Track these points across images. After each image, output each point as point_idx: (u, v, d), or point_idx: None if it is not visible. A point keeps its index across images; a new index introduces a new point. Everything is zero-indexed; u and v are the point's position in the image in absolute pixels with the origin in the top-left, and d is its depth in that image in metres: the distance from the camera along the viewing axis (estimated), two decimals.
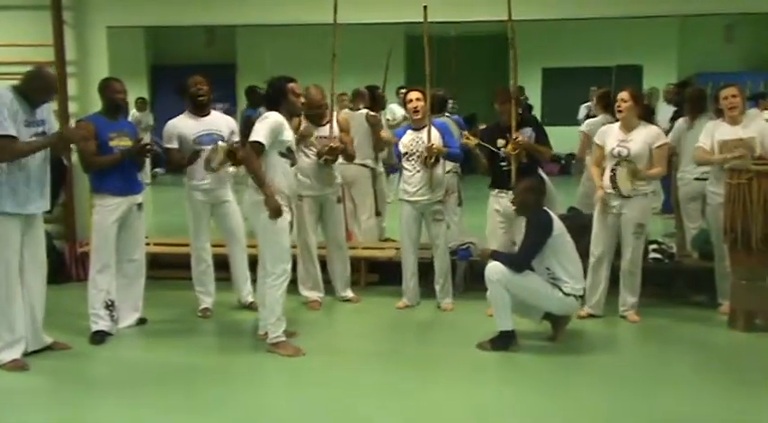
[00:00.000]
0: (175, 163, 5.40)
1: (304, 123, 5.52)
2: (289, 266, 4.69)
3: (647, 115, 5.50)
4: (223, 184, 5.42)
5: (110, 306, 4.94)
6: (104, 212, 4.89)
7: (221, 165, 5.19)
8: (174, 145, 5.33)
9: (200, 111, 5.38)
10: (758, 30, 14.28)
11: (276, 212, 4.54)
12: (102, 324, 4.89)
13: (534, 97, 14.63)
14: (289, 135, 4.71)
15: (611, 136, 5.26)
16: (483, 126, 6.14)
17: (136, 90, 14.65)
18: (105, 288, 4.91)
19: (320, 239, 5.86)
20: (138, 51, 15.93)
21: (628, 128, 5.21)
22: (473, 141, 5.43)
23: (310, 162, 5.53)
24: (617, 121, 5.35)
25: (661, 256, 5.93)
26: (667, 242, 6.17)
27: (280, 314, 4.65)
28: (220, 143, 5.17)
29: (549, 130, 5.61)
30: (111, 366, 4.58)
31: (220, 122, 5.46)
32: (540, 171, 5.76)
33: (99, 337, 4.86)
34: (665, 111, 9.56)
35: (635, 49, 14.28)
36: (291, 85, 4.75)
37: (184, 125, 5.35)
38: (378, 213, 7.05)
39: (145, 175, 11.70)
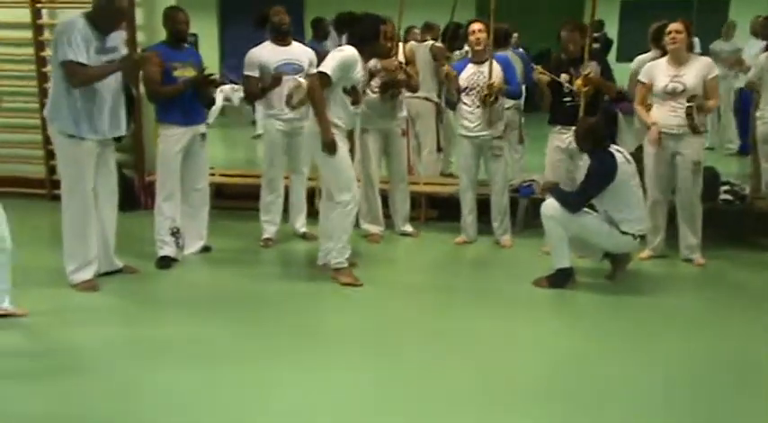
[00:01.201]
0: (255, 92, 5.45)
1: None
2: (356, 194, 4.74)
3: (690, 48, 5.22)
4: (301, 116, 5.39)
5: (175, 233, 5.09)
6: (169, 142, 5.00)
7: (301, 103, 5.19)
8: (256, 73, 5.37)
9: (282, 40, 5.40)
10: None
11: (330, 147, 4.55)
12: (167, 250, 5.07)
13: (612, 31, 14.09)
14: (359, 74, 4.67)
15: (659, 72, 5.02)
16: (554, 54, 5.91)
17: (205, 22, 14.77)
18: (171, 216, 5.07)
19: (383, 173, 5.88)
20: None
21: (679, 61, 4.97)
22: (546, 78, 5.23)
23: (374, 96, 5.50)
24: (664, 55, 5.10)
25: (732, 198, 5.72)
26: (740, 184, 5.93)
27: (346, 242, 4.72)
28: (302, 80, 5.16)
29: (625, 66, 5.40)
30: (176, 288, 4.77)
31: (300, 53, 5.46)
32: (612, 106, 5.60)
33: (164, 262, 5.05)
34: (752, 46, 9.07)
35: None
36: (384, 27, 4.69)
37: (266, 54, 5.37)
38: (439, 149, 6.99)
39: (210, 114, 11.98)
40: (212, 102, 5.39)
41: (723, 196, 5.73)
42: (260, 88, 5.39)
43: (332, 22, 7.78)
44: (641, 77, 5.18)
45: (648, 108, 5.10)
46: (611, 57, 12.98)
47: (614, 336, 3.99)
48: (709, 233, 5.20)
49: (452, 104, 5.71)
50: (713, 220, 5.20)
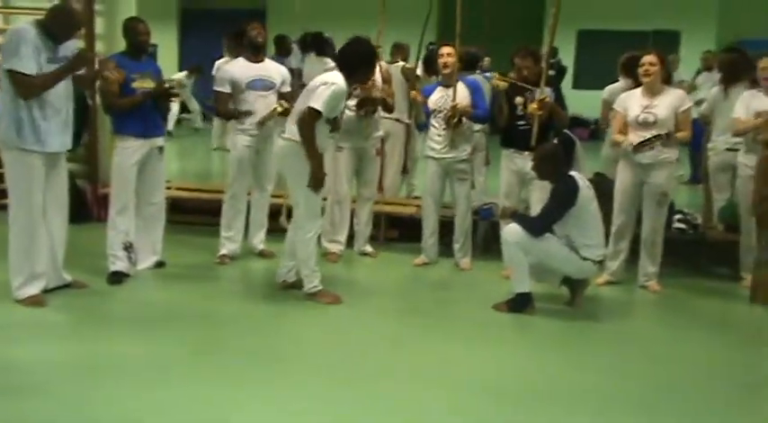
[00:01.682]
0: (226, 110, 5.38)
1: None
2: (320, 221, 4.73)
3: (667, 80, 5.35)
4: (270, 132, 5.38)
5: (128, 247, 4.96)
6: (125, 154, 4.88)
7: (268, 120, 5.24)
8: (227, 89, 5.30)
9: (256, 56, 5.35)
10: None
11: (318, 184, 4.49)
12: (119, 265, 4.93)
13: (568, 59, 14.37)
14: (343, 104, 4.64)
15: (633, 102, 5.11)
16: (511, 74, 5.97)
17: (166, 33, 14.63)
18: (124, 229, 4.93)
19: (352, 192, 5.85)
20: None
21: (652, 92, 5.06)
22: (503, 84, 5.25)
23: (351, 114, 5.46)
24: (638, 86, 5.21)
25: (685, 227, 5.83)
26: (692, 213, 6.06)
27: (314, 266, 4.68)
28: (278, 108, 5.18)
29: (581, 94, 5.49)
30: (127, 305, 4.63)
31: (273, 70, 5.42)
32: (570, 133, 5.66)
33: (116, 278, 4.90)
34: (703, 77, 9.34)
35: (673, 13, 13.93)
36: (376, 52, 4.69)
37: (238, 69, 5.32)
38: (405, 171, 6.97)
39: (168, 121, 11.86)
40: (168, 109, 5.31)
41: (676, 225, 5.83)
42: (234, 112, 5.32)
43: (296, 39, 7.76)
44: (616, 107, 5.26)
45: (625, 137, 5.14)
46: (567, 84, 13.25)
47: (573, 360, 3.99)
48: (664, 261, 5.27)
49: (421, 127, 5.72)
50: (667, 248, 5.28)
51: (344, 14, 6.17)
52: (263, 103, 5.29)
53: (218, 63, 7.09)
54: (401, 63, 6.88)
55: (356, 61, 4.54)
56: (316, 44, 7.02)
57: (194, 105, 12.98)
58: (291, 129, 4.54)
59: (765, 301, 4.92)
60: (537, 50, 5.55)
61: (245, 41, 5.35)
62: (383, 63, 5.59)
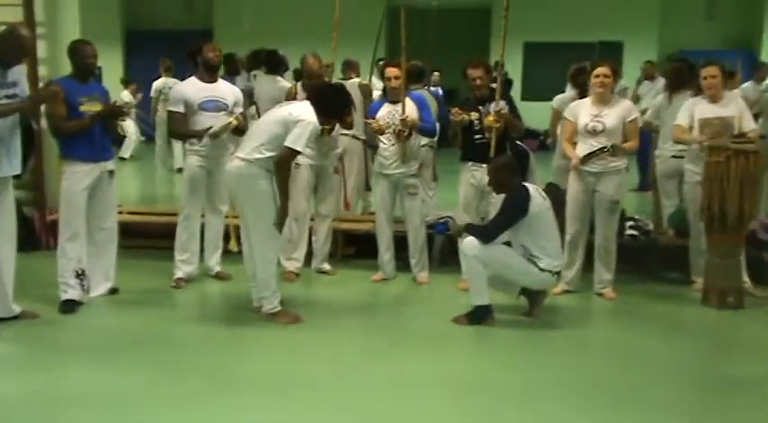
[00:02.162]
0: (180, 129, 5.31)
1: (301, 93, 5.43)
2: (279, 241, 4.71)
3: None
4: (222, 152, 5.32)
5: (80, 275, 4.84)
6: (74, 179, 4.77)
7: (219, 134, 5.19)
8: (181, 109, 5.23)
9: (209, 77, 5.30)
10: (739, 7, 14.32)
11: (282, 225, 4.55)
12: (72, 293, 4.80)
13: (515, 72, 14.57)
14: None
15: (583, 111, 5.21)
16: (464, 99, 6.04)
17: (110, 54, 14.40)
18: (75, 256, 4.82)
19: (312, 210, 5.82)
20: (112, 15, 15.62)
21: (602, 102, 5.17)
22: (467, 118, 5.22)
23: None
24: (584, 96, 5.31)
25: (637, 233, 5.95)
26: (643, 219, 6.18)
27: (275, 287, 4.64)
28: (232, 122, 5.14)
29: (529, 105, 5.57)
30: (81, 334, 4.52)
31: (226, 91, 5.38)
32: (523, 145, 5.73)
33: (69, 306, 4.77)
34: (645, 87, 9.57)
35: (617, 25, 14.27)
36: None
37: (191, 90, 5.27)
38: (368, 188, 6.95)
39: (124, 148, 11.61)
40: (121, 137, 5.21)
41: (628, 231, 5.94)
42: (187, 133, 5.27)
43: (243, 58, 7.71)
44: (567, 115, 5.35)
45: (575, 145, 5.24)
46: (515, 96, 13.44)
47: (535, 369, 4.03)
48: (618, 267, 5.36)
49: (374, 146, 5.71)
50: (620, 255, 5.37)
51: (292, 33, 6.17)
52: (216, 124, 5.23)
53: (155, 83, 6.97)
54: (356, 79, 6.89)
55: (335, 108, 4.67)
56: (269, 62, 6.99)
57: (131, 131, 12.45)
58: (249, 146, 4.52)
59: (716, 304, 5.03)
60: (486, 63, 5.62)
61: (200, 61, 5.29)
62: (337, 81, 5.60)
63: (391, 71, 5.42)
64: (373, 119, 5.47)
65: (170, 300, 5.23)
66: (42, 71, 6.31)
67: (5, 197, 4.39)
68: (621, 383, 3.83)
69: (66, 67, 5.02)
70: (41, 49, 6.33)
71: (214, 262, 5.61)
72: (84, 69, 4.85)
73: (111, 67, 13.94)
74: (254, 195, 4.51)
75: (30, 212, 6.36)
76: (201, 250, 5.56)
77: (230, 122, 5.16)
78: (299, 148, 4.44)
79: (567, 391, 3.72)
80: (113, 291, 5.15)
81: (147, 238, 6.29)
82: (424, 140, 6.03)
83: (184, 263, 5.43)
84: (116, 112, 4.89)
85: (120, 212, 5.82)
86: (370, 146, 5.88)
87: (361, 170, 6.85)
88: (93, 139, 4.79)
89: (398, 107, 5.35)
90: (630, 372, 4.00)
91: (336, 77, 6.87)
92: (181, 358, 4.09)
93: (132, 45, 16.05)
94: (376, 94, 6.63)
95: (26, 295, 4.73)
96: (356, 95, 6.62)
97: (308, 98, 4.75)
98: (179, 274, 5.42)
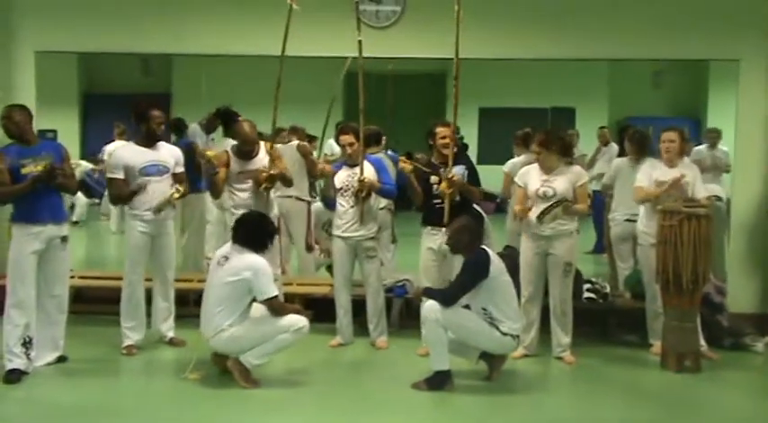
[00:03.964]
0: (120, 194, 5.21)
1: (233, 159, 5.41)
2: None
3: (566, 153, 5.55)
4: (165, 217, 5.27)
5: (27, 343, 4.66)
6: (21, 243, 4.64)
7: (163, 207, 5.19)
8: (121, 175, 5.15)
9: (151, 142, 5.25)
10: (683, 77, 14.90)
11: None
12: (17, 362, 4.62)
13: (470, 136, 14.81)
14: None
15: (532, 176, 5.29)
16: (419, 155, 6.09)
17: (66, 117, 14.27)
18: (22, 324, 4.64)
19: None
20: (70, 78, 15.52)
21: (548, 168, 5.26)
22: (409, 167, 5.34)
23: (246, 196, 5.41)
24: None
25: (595, 296, 5.98)
26: (601, 282, 6.23)
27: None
28: (174, 194, 5.17)
29: (484, 168, 5.63)
30: (24, 407, 4.34)
31: (166, 154, 5.33)
32: (479, 208, 5.77)
33: (14, 376, 4.58)
34: (602, 153, 9.77)
35: (568, 91, 14.68)
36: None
37: (131, 155, 5.20)
38: (309, 249, 6.91)
39: (78, 212, 11.37)
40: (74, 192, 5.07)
41: (586, 294, 5.97)
42: (127, 193, 5.17)
43: (200, 121, 7.69)
44: (517, 181, 5.42)
45: (528, 209, 5.25)
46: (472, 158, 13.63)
47: None
48: (576, 330, 5.36)
49: (330, 204, 5.69)
50: (578, 317, 5.38)
51: (249, 98, 6.22)
52: (158, 189, 5.19)
53: (108, 147, 6.89)
54: (296, 141, 6.94)
55: (262, 233, 4.76)
56: (225, 120, 7.04)
57: (79, 195, 12.13)
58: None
59: (674, 367, 5.05)
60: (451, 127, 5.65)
61: (143, 128, 5.24)
62: (268, 144, 5.59)
63: (344, 139, 5.48)
64: (333, 173, 5.49)
65: (118, 368, 5.07)
66: None
67: None
68: None
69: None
70: None
71: (167, 327, 5.47)
72: (15, 134, 4.73)
73: (67, 129, 13.79)
74: None
75: None
76: (149, 315, 5.42)
77: (172, 194, 5.17)
78: (275, 293, 4.61)
79: None
80: (61, 359, 4.96)
81: (98, 304, 6.10)
82: (383, 202, 6.05)
83: (131, 330, 5.28)
84: (53, 175, 4.65)
85: (72, 277, 5.65)
86: (329, 206, 5.85)
87: (303, 232, 6.81)
88: (40, 200, 4.66)
89: (357, 170, 5.36)
90: None
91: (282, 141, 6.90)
92: None
93: (89, 108, 15.94)
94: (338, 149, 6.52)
95: None
96: (295, 157, 6.65)
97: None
98: (128, 341, 5.26)
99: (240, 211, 5.32)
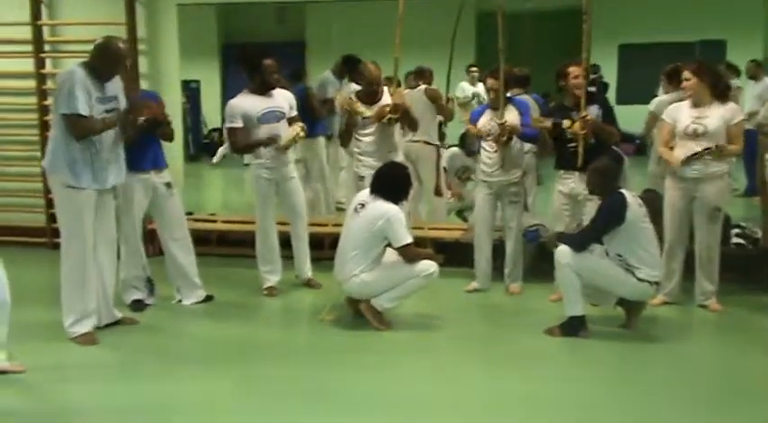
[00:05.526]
0: (241, 143, 5.34)
1: (357, 103, 5.43)
2: None
3: (723, 92, 5.09)
4: (286, 162, 5.40)
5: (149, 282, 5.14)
6: (128, 189, 4.86)
7: (289, 145, 5.28)
8: (240, 124, 5.28)
9: (266, 91, 5.34)
10: None
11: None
12: (138, 294, 5.10)
13: (610, 75, 14.16)
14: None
15: (682, 113, 4.97)
16: (552, 104, 5.88)
17: (209, 67, 14.88)
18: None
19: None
20: (210, 29, 16.10)
21: (699, 104, 4.91)
22: (548, 124, 5.13)
23: (370, 140, 5.46)
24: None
25: (744, 242, 5.63)
26: (751, 226, 5.84)
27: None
28: (300, 132, 5.24)
29: (624, 108, 5.35)
30: (178, 341, 4.66)
31: (281, 100, 5.42)
32: (618, 150, 5.52)
33: (138, 306, 5.05)
34: (753, 88, 9.09)
35: (718, 23, 13.62)
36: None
37: (248, 104, 5.31)
38: (438, 193, 6.89)
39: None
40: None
41: (735, 240, 5.64)
42: (254, 142, 5.29)
43: (332, 67, 7.79)
44: (665, 117, 5.11)
45: (672, 149, 5.00)
46: (610, 99, 13.05)
47: (632, 384, 3.87)
48: (723, 278, 5.08)
49: (472, 151, 5.63)
50: (726, 264, 5.09)
51: (381, 42, 6.19)
52: (277, 134, 5.28)
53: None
54: (423, 86, 6.85)
55: (400, 185, 4.80)
56: (350, 68, 7.09)
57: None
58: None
59: None
60: (583, 67, 5.39)
61: (257, 78, 5.28)
62: (396, 89, 5.54)
63: (490, 81, 5.35)
64: (474, 126, 5.42)
65: (260, 308, 5.32)
66: (144, 86, 6.50)
67: (107, 207, 4.54)
68: (723, 402, 3.63)
69: (168, 83, 5.08)
70: (143, 64, 6.59)
71: (305, 269, 5.65)
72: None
73: (209, 79, 14.40)
74: None
75: None
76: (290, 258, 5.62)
77: (297, 134, 5.22)
78: (409, 240, 4.63)
79: (666, 408, 3.56)
80: (208, 298, 5.27)
81: (242, 247, 6.39)
82: (527, 146, 5.91)
83: (269, 273, 5.50)
84: (155, 124, 4.85)
85: (215, 221, 5.95)
86: (469, 152, 5.80)
87: (433, 176, 6.78)
88: (141, 150, 4.86)
89: (498, 113, 5.26)
90: (733, 390, 3.78)
91: (406, 86, 6.83)
92: (276, 370, 4.13)
93: (228, 58, 16.52)
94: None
95: (120, 301, 4.92)
96: (423, 101, 6.56)
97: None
98: (268, 283, 5.49)
99: (367, 158, 5.39)
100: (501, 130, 5.20)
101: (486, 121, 5.37)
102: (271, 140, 5.24)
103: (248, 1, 6.89)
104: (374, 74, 5.41)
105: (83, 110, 4.22)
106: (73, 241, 4.39)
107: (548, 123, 5.13)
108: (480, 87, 8.75)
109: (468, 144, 5.70)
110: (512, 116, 5.27)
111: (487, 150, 5.37)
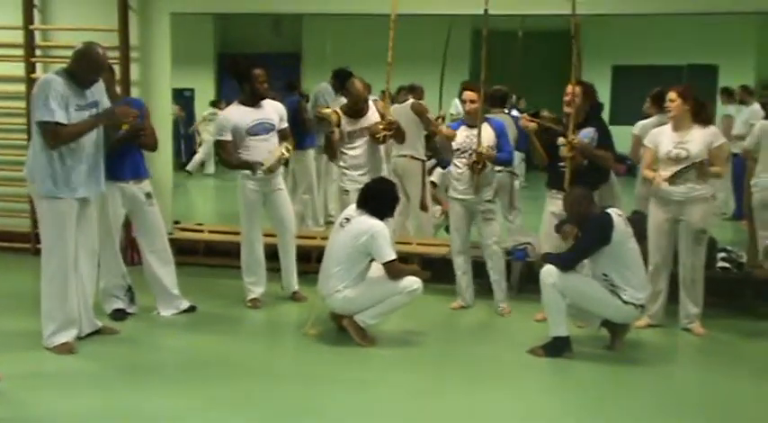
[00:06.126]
0: (231, 157, 5.27)
1: (344, 118, 5.41)
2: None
3: (706, 116, 5.10)
4: (275, 173, 5.38)
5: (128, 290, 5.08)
6: (108, 198, 4.83)
7: (274, 169, 5.25)
8: (228, 137, 5.25)
9: (256, 101, 5.32)
10: None
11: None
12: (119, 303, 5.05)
13: (604, 95, 14.20)
14: None
15: (664, 137, 4.97)
16: (544, 112, 5.84)
17: (204, 76, 14.88)
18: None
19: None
20: (206, 39, 16.10)
21: (680, 128, 4.92)
22: (534, 125, 5.16)
23: (357, 154, 5.43)
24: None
25: (730, 266, 5.63)
26: (737, 250, 5.85)
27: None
28: (284, 153, 5.21)
29: (617, 129, 5.33)
30: (156, 353, 4.61)
31: (271, 111, 5.39)
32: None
33: (119, 315, 5.00)
34: (742, 113, 9.14)
35: (710, 47, 13.70)
36: None
37: (238, 116, 5.29)
38: (423, 208, 6.88)
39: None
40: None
41: (720, 264, 5.64)
42: (237, 163, 5.26)
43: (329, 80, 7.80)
44: (647, 143, 5.12)
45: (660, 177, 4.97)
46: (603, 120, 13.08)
47: (614, 408, 3.84)
48: (707, 301, 5.08)
49: (444, 164, 5.62)
50: (711, 287, 5.10)
51: (375, 56, 6.20)
52: (265, 147, 5.25)
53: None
54: (411, 100, 6.85)
55: (387, 200, 4.77)
56: (340, 78, 7.10)
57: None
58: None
59: None
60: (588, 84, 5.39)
61: (247, 88, 5.27)
62: (380, 102, 5.55)
63: (468, 95, 5.32)
64: (450, 130, 5.41)
65: (242, 320, 5.28)
66: (135, 93, 6.51)
67: (88, 216, 4.48)
68: None
69: (158, 90, 5.04)
70: (135, 72, 6.57)
71: (291, 282, 5.61)
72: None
73: (203, 88, 14.39)
74: None
75: None
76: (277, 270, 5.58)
77: (282, 155, 5.20)
78: (393, 256, 4.59)
79: None
80: (191, 308, 5.22)
81: (227, 258, 6.37)
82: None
83: (253, 285, 5.46)
84: (136, 134, 4.82)
85: (202, 231, 5.92)
86: (441, 164, 5.79)
87: (419, 191, 6.77)
88: (121, 159, 4.82)
89: (475, 132, 5.24)
90: (717, 415, 3.78)
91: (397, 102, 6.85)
92: (246, 382, 4.10)
93: (224, 67, 16.51)
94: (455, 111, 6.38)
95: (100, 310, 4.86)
96: (410, 116, 6.55)
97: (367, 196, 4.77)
98: (252, 295, 5.46)
99: (352, 172, 5.37)
100: (477, 157, 5.18)
101: (461, 139, 5.34)
102: (255, 165, 5.19)
103: (241, 12, 6.85)
104: (359, 91, 5.40)
105: (58, 117, 4.14)
106: (54, 251, 4.35)
107: (534, 125, 5.11)
108: None
109: (441, 158, 5.67)
110: (487, 137, 5.25)
111: (459, 167, 5.35)
